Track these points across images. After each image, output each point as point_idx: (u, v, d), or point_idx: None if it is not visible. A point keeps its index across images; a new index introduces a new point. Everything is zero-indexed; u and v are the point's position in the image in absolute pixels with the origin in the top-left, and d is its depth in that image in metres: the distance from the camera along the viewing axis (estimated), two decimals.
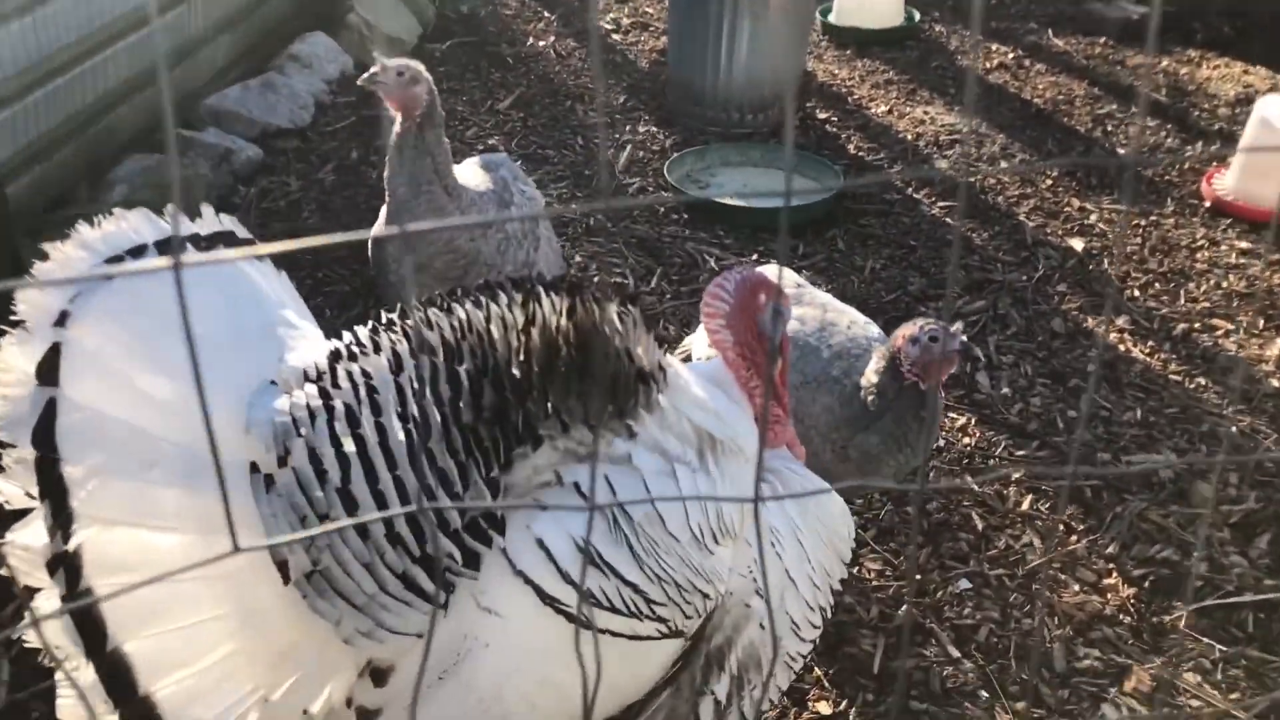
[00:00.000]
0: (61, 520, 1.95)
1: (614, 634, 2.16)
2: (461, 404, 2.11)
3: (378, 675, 2.17)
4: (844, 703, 3.27)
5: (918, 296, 5.38)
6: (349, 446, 2.07)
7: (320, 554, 2.04)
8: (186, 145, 5.96)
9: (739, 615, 2.34)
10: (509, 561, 2.10)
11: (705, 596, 2.25)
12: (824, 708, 3.25)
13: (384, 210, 4.15)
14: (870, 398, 3.27)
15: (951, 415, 4.54)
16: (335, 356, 2.20)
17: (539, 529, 2.11)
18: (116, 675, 1.95)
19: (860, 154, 6.89)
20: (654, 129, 7.02)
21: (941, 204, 6.31)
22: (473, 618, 2.11)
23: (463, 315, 2.24)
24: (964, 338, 3.21)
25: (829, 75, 7.97)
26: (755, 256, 5.65)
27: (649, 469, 2.19)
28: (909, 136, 7.11)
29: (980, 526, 3.97)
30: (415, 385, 2.13)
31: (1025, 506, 4.07)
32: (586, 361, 2.18)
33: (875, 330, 3.52)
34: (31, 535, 2.00)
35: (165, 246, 2.23)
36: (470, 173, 4.35)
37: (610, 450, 2.18)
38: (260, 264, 2.42)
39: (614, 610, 2.14)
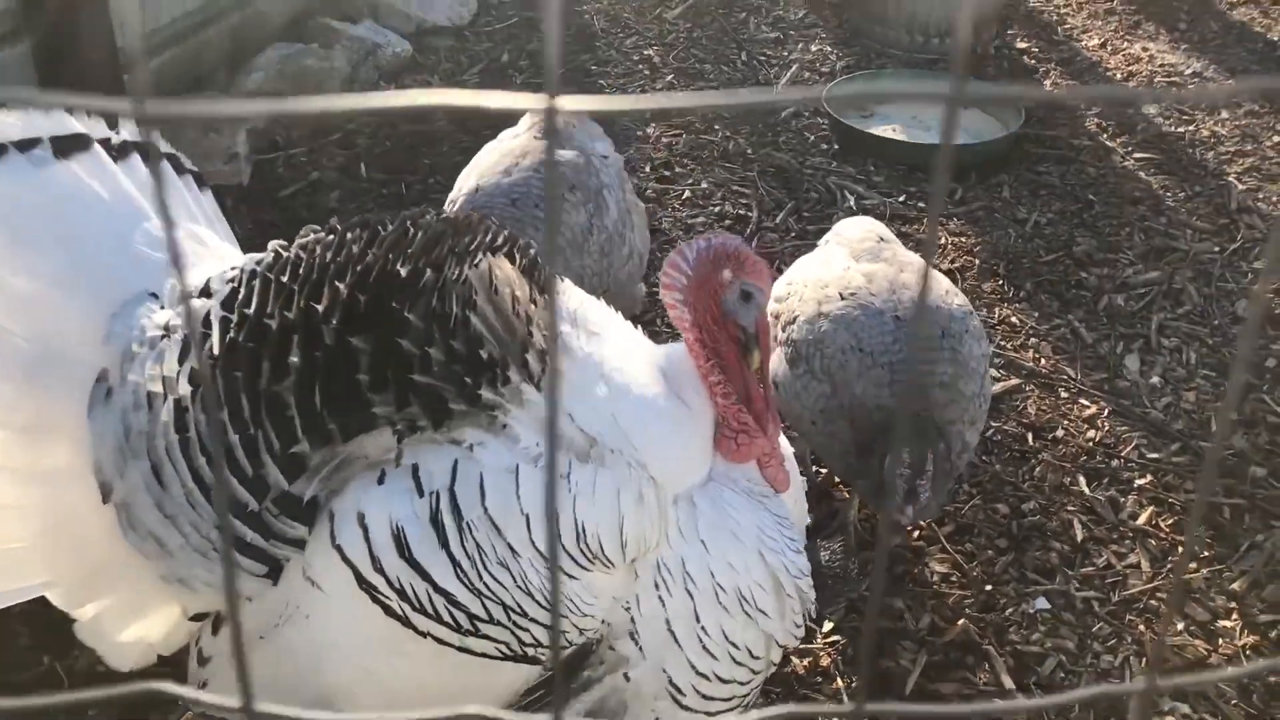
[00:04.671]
0: None
1: (440, 641, 1.88)
2: (265, 363, 1.86)
3: (217, 623, 2.06)
4: None
5: (1081, 260, 4.72)
6: (155, 387, 1.91)
7: (129, 490, 1.90)
8: (334, 37, 5.87)
9: (615, 656, 2.00)
10: (332, 531, 1.87)
11: (549, 627, 1.91)
12: None
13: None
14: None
15: (1082, 403, 3.94)
16: (205, 288, 2.00)
17: (364, 502, 1.86)
18: None
19: (1055, 91, 6.11)
20: (828, 49, 6.46)
21: (1138, 155, 5.52)
22: (299, 585, 1.93)
23: (301, 256, 1.98)
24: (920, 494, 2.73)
25: (1042, 0, 7.13)
26: (903, 199, 5.10)
27: (492, 464, 1.86)
28: (1119, 75, 6.26)
29: (1080, 537, 3.41)
30: (220, 336, 1.91)
31: (1142, 520, 3.48)
32: (408, 330, 1.87)
33: (958, 301, 3.01)
34: None
35: (65, 144, 2.07)
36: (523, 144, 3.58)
37: (457, 435, 1.88)
38: (179, 178, 2.28)
39: (426, 615, 1.86)
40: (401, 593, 1.86)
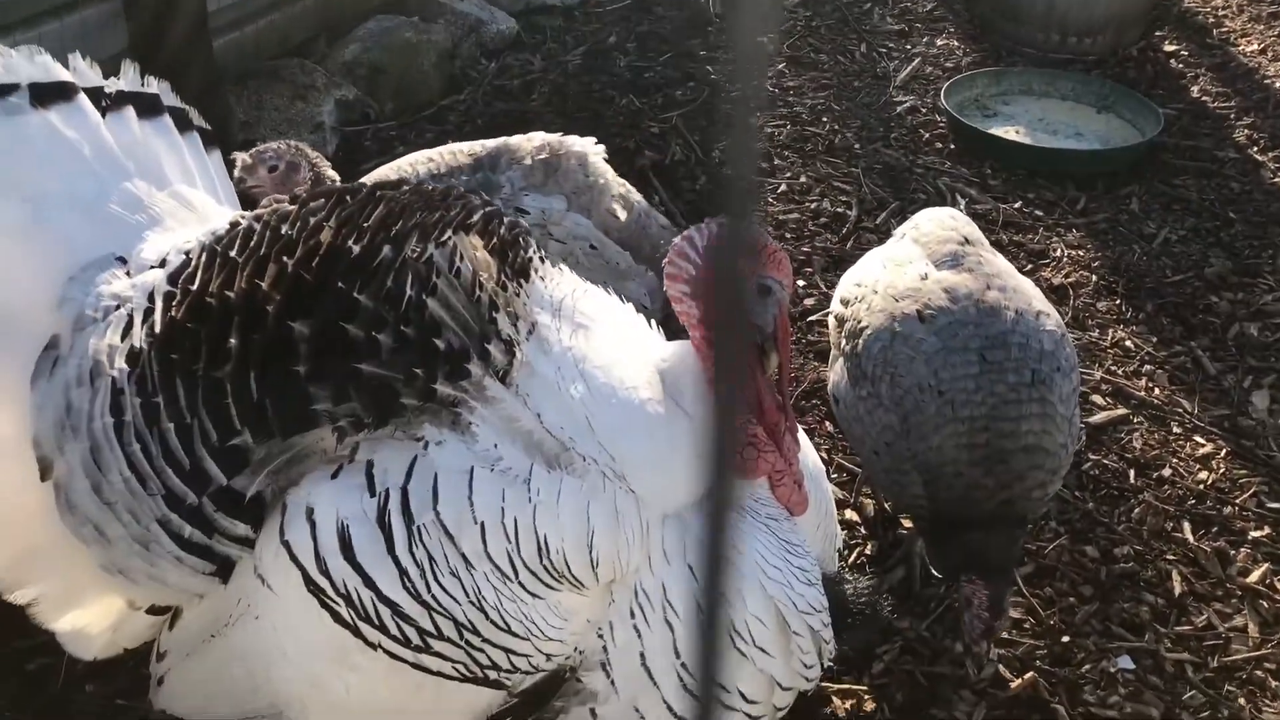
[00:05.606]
0: None
1: (392, 656, 1.69)
2: (203, 346, 1.70)
3: (175, 618, 1.92)
4: None
5: (1212, 283, 4.27)
6: (118, 363, 1.74)
7: (68, 470, 1.75)
8: (438, 11, 5.76)
9: (584, 690, 1.77)
10: (282, 525, 1.70)
11: (510, 652, 1.69)
12: None
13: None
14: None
15: (1196, 440, 3.53)
16: (162, 260, 1.85)
17: (314, 496, 1.69)
18: None
19: (1203, 99, 5.61)
20: (954, 43, 6.07)
21: None
22: (250, 583, 1.77)
23: (254, 228, 1.82)
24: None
25: (1198, 1, 6.59)
26: (1018, 204, 4.71)
27: (447, 465, 1.66)
28: (1278, 84, 5.71)
29: (1178, 591, 3.03)
30: (162, 313, 1.76)
31: (1253, 578, 3.07)
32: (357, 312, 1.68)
33: (1050, 324, 2.65)
34: None
35: (45, 93, 1.92)
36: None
37: (416, 432, 1.69)
38: (181, 137, 2.11)
39: (373, 626, 1.68)
40: (348, 599, 1.68)
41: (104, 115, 1.99)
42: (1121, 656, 2.85)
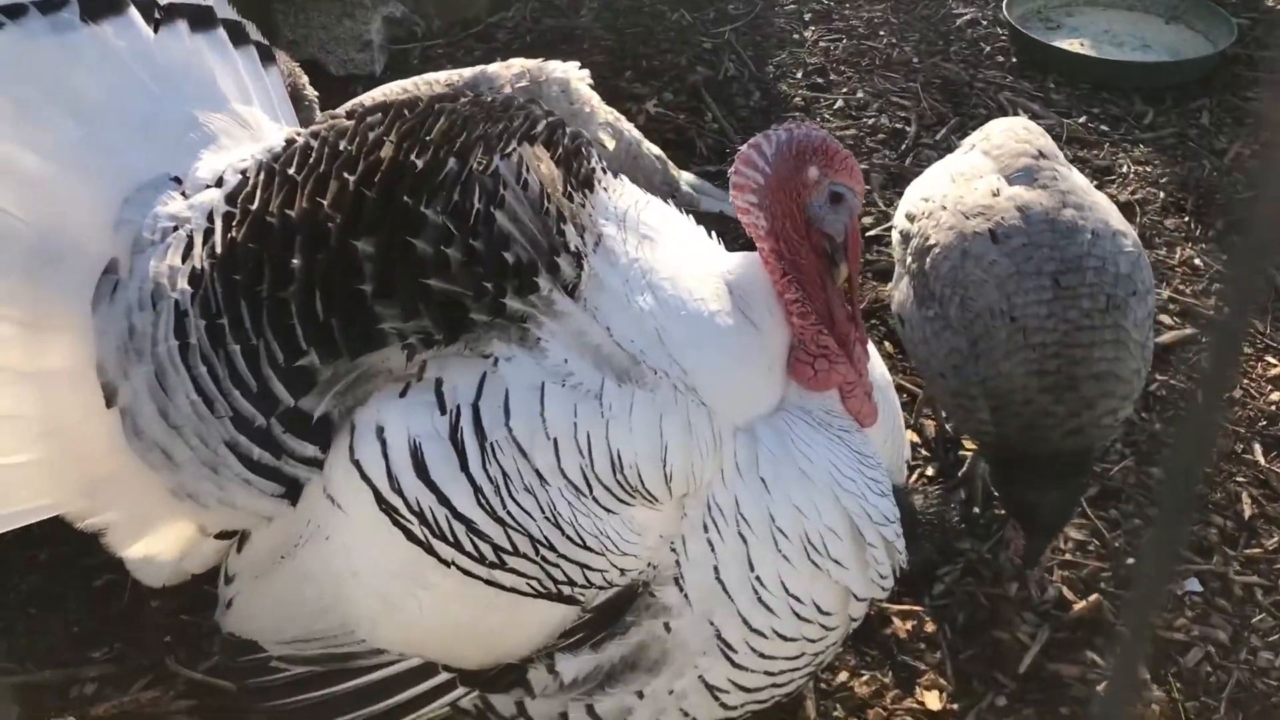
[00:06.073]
0: None
1: (466, 573, 1.68)
2: (266, 266, 1.67)
3: (243, 541, 1.90)
4: (962, 701, 2.56)
5: None
6: (180, 285, 1.71)
7: (133, 395, 1.73)
8: None
9: (656, 604, 1.75)
10: (351, 444, 1.68)
11: (585, 567, 1.67)
12: (932, 700, 2.55)
13: None
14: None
15: (1268, 360, 3.44)
16: (219, 179, 1.82)
17: (384, 414, 1.66)
18: None
19: (1278, 7, 5.39)
20: None
21: None
22: (320, 503, 1.76)
23: (311, 145, 1.78)
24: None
25: None
26: (1083, 119, 4.57)
27: (518, 381, 1.63)
28: None
29: (1248, 513, 2.97)
30: (222, 234, 1.73)
31: None
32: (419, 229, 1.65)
33: (1128, 244, 2.56)
34: None
35: (96, 6, 1.86)
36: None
37: (485, 349, 1.67)
38: (237, 51, 2.06)
39: (448, 544, 1.66)
40: (421, 516, 1.67)
41: (156, 29, 1.94)
42: (1189, 579, 2.81)
